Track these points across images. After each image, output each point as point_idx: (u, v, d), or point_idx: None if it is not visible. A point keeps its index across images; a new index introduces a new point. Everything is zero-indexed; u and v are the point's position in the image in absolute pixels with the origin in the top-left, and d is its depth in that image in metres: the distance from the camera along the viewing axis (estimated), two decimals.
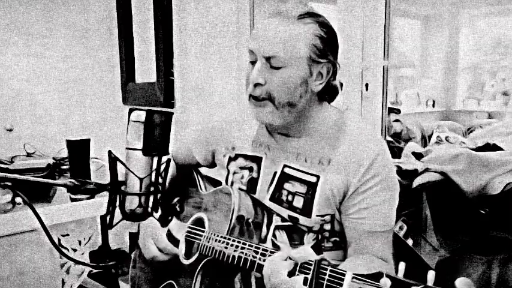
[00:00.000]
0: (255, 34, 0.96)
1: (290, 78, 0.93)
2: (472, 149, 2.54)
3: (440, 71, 4.85)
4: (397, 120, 3.62)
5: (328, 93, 1.03)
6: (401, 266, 0.65)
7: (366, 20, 1.55)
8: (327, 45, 0.95)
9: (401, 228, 2.02)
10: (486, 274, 1.94)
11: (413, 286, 0.61)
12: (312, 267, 0.75)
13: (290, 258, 0.79)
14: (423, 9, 4.77)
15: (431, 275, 0.61)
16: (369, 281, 0.66)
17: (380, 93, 1.58)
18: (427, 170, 2.23)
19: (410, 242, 1.99)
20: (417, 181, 2.20)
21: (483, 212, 2.06)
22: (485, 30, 4.76)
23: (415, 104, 4.72)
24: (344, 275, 0.70)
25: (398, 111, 3.72)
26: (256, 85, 0.95)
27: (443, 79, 4.84)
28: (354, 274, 0.69)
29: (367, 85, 1.59)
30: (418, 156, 2.60)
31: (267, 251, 0.87)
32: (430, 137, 3.70)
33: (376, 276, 0.65)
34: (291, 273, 0.77)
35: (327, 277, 0.72)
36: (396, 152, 3.03)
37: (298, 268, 0.77)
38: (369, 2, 1.54)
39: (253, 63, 0.97)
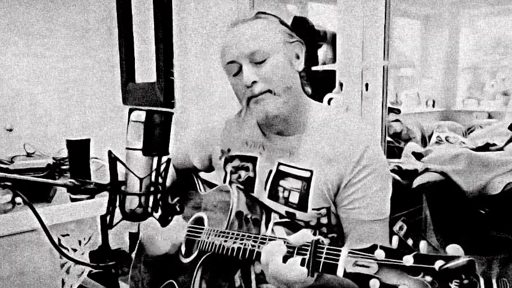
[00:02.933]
0: (225, 47, 1.02)
1: (277, 64, 0.98)
2: (472, 149, 2.54)
3: (440, 71, 4.85)
4: (397, 120, 3.62)
5: (311, 82, 1.08)
6: (395, 239, 0.67)
7: (366, 20, 1.55)
8: (289, 28, 1.03)
9: (401, 228, 2.02)
10: (486, 274, 1.93)
11: (406, 255, 0.63)
12: (309, 248, 0.76)
13: (287, 245, 0.80)
14: (423, 9, 4.77)
15: (423, 244, 0.64)
16: (364, 253, 0.67)
17: (380, 93, 1.58)
18: (427, 170, 2.23)
19: (410, 242, 1.99)
20: (417, 181, 2.20)
21: (483, 212, 2.06)
22: (485, 30, 4.76)
23: (415, 104, 4.72)
24: (340, 251, 0.72)
25: (398, 111, 3.73)
26: (252, 84, 0.98)
27: (443, 79, 4.84)
28: (349, 249, 0.70)
29: (367, 85, 1.59)
30: (418, 156, 2.60)
31: (265, 239, 0.87)
32: (430, 137, 3.71)
33: (371, 249, 0.67)
34: (288, 257, 0.78)
35: (324, 255, 0.74)
36: (396, 152, 3.03)
37: (295, 251, 0.78)
38: (369, 2, 1.54)
39: (236, 74, 1.01)
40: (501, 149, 2.76)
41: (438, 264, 0.59)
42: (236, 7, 1.99)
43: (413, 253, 0.62)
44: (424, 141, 3.72)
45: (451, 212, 2.16)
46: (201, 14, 2.16)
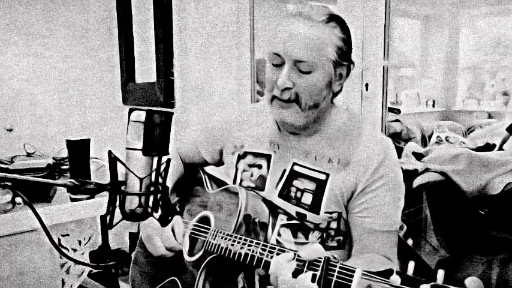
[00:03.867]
0: (280, 36, 0.95)
1: (318, 82, 0.95)
2: (472, 149, 2.54)
3: (440, 71, 4.85)
4: (397, 120, 3.62)
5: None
6: (411, 264, 0.65)
7: (366, 20, 1.55)
8: (348, 47, 0.98)
9: (401, 228, 2.02)
10: (486, 274, 1.94)
11: (423, 284, 0.61)
12: (320, 264, 0.75)
13: (298, 258, 0.79)
14: (423, 9, 4.77)
15: (441, 274, 0.61)
16: (379, 278, 0.66)
17: (380, 93, 1.58)
18: (427, 170, 2.23)
19: (410, 242, 1.99)
20: (417, 181, 2.20)
21: (483, 212, 2.06)
22: (485, 30, 4.76)
23: (415, 104, 4.72)
24: (353, 271, 0.70)
25: (398, 111, 3.73)
26: (284, 89, 0.95)
27: (443, 79, 4.84)
28: (363, 271, 0.69)
29: (367, 85, 1.59)
30: (418, 156, 2.60)
31: (274, 248, 0.87)
32: (430, 137, 3.71)
33: (386, 273, 0.66)
34: (299, 272, 0.77)
35: (336, 274, 0.72)
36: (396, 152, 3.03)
37: (306, 265, 0.77)
38: (369, 2, 1.54)
39: (276, 66, 0.96)
40: (500, 148, 2.76)
41: None
42: (236, 7, 1.99)
43: (431, 283, 0.61)
44: (424, 141, 3.72)
45: (451, 212, 2.16)
46: (201, 14, 2.16)
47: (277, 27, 0.97)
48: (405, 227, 2.02)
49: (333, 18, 0.95)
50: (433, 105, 4.78)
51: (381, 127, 1.61)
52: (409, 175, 2.26)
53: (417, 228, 2.23)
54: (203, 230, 1.06)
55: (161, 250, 1.04)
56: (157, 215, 0.84)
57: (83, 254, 1.57)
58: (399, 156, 2.82)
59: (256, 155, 1.11)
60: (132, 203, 0.79)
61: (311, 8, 0.95)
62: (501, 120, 4.07)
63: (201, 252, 1.02)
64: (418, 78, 4.94)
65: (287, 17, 0.95)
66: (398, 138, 3.53)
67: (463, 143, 3.27)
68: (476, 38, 4.78)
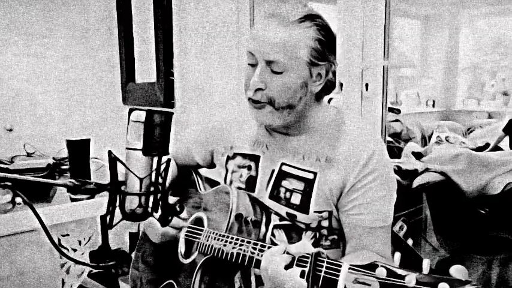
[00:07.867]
0: (254, 35, 0.96)
1: (291, 83, 0.94)
2: (472, 149, 2.54)
3: (440, 71, 4.85)
4: (397, 120, 3.62)
5: (325, 90, 1.03)
6: (397, 255, 0.67)
7: (366, 20, 1.55)
8: (326, 47, 0.96)
9: (401, 228, 2.02)
10: (486, 274, 1.94)
11: (409, 275, 0.62)
12: (308, 260, 0.76)
13: (287, 252, 0.80)
14: (423, 9, 4.77)
15: (426, 264, 0.62)
16: (365, 271, 0.67)
17: (380, 93, 1.58)
18: (427, 170, 2.24)
19: (410, 242, 1.99)
20: (417, 181, 2.20)
21: (483, 212, 2.06)
22: (485, 30, 4.76)
23: (415, 104, 4.72)
24: (340, 266, 0.71)
25: (398, 111, 3.73)
26: (256, 90, 0.95)
27: (443, 79, 4.84)
28: (350, 265, 0.70)
29: (367, 85, 1.58)
30: (418, 156, 2.60)
31: (264, 246, 0.87)
32: (430, 137, 3.71)
33: (372, 266, 0.66)
34: (288, 267, 0.78)
35: (323, 269, 0.73)
36: (396, 152, 3.03)
37: (295, 262, 0.78)
38: (369, 2, 1.54)
39: (252, 65, 0.97)
40: (500, 148, 2.76)
41: (442, 287, 0.58)
42: (236, 7, 1.99)
43: (417, 274, 0.61)
44: (424, 141, 3.72)
45: (451, 212, 2.16)
46: (201, 14, 2.16)
47: (254, 26, 0.98)
48: (405, 227, 2.02)
49: (309, 18, 0.94)
50: (433, 105, 4.78)
51: (381, 127, 1.61)
52: (409, 175, 2.26)
53: (417, 228, 2.23)
54: (197, 231, 1.06)
55: (162, 229, 1.05)
56: (157, 215, 0.84)
57: (83, 254, 1.57)
58: (399, 156, 2.82)
59: (245, 156, 1.11)
60: (132, 203, 0.79)
61: (286, 8, 0.94)
62: (501, 120, 4.07)
63: (195, 254, 1.03)
64: (418, 78, 4.94)
65: (263, 17, 0.96)
66: (399, 138, 3.53)
67: (463, 143, 3.27)
68: (476, 38, 4.78)
